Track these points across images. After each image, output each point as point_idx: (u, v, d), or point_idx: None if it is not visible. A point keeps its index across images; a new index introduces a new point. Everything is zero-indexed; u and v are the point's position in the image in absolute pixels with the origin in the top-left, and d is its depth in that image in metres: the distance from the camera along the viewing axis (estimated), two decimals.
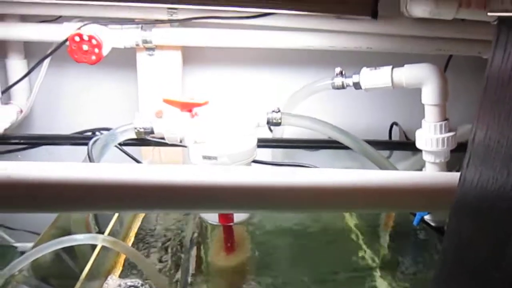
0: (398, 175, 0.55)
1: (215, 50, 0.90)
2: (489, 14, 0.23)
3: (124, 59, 0.89)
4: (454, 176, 0.54)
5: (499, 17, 0.23)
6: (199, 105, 0.66)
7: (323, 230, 0.79)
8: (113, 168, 0.48)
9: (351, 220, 0.81)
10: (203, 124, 0.67)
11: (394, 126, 1.02)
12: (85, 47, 0.68)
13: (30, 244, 0.66)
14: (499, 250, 0.27)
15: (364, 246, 0.74)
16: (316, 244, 0.75)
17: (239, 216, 0.73)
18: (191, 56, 0.92)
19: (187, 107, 0.66)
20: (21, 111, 0.88)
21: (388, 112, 1.03)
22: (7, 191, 0.44)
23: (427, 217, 0.75)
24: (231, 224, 0.73)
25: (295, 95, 0.84)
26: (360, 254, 0.72)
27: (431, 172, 0.71)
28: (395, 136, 1.02)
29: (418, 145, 0.72)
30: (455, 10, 0.69)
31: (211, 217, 0.73)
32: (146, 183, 0.47)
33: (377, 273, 0.67)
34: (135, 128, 0.66)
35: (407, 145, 0.93)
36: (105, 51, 0.72)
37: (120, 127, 0.68)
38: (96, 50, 0.69)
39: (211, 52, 0.92)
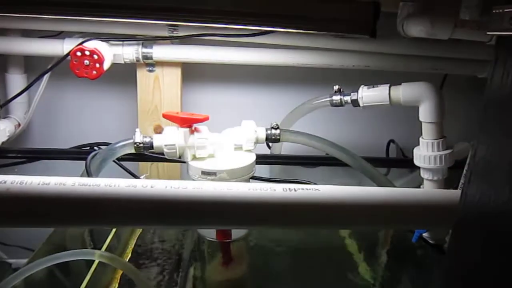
0: (398, 192, 0.55)
1: (215, 67, 0.91)
2: (488, 33, 0.24)
3: (124, 75, 0.90)
4: (454, 194, 0.54)
5: (498, 36, 0.24)
6: (198, 120, 0.66)
7: (320, 248, 0.78)
8: (112, 183, 0.48)
9: (348, 237, 0.80)
10: (203, 139, 0.67)
11: (391, 143, 1.02)
12: (86, 62, 0.69)
13: (24, 261, 0.65)
14: (507, 272, 0.27)
15: (361, 264, 0.73)
16: (313, 261, 0.74)
17: (237, 233, 0.73)
18: (191, 73, 0.93)
19: (187, 122, 0.67)
20: (19, 125, 0.88)
21: (385, 129, 1.03)
22: (5, 204, 0.44)
23: (425, 235, 0.75)
24: (229, 240, 0.72)
25: (294, 112, 0.85)
26: (358, 271, 0.71)
27: (431, 189, 0.71)
28: (392, 154, 1.02)
29: (416, 162, 0.72)
30: (451, 30, 0.70)
31: (209, 233, 0.73)
32: (146, 198, 0.47)
33: None
34: (135, 143, 0.66)
35: (405, 163, 0.93)
36: (106, 66, 0.73)
37: (120, 141, 0.68)
38: (97, 65, 0.70)
39: (210, 69, 0.93)
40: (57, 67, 0.81)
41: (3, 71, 0.88)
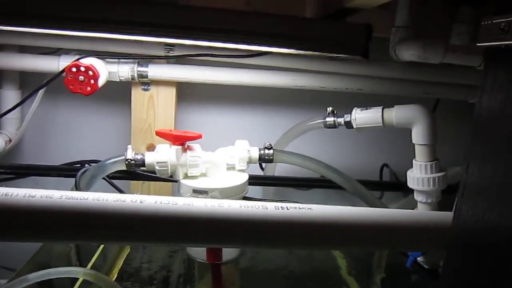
0: (391, 213, 0.54)
1: (209, 87, 0.91)
2: (478, 44, 0.24)
3: (118, 94, 0.90)
4: (448, 215, 0.54)
5: (486, 50, 0.24)
6: (191, 138, 0.66)
7: (313, 273, 0.77)
8: (100, 197, 0.46)
9: (342, 261, 0.78)
10: (195, 157, 0.66)
11: (385, 167, 1.02)
12: (81, 78, 0.69)
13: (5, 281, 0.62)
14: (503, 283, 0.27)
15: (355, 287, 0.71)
16: (306, 285, 0.72)
17: (228, 255, 0.71)
18: (186, 92, 0.94)
19: (179, 140, 0.66)
20: (10, 141, 0.87)
21: (379, 154, 1.04)
22: None
23: (420, 259, 0.73)
24: (219, 262, 0.70)
25: (288, 133, 0.85)
26: None
27: (426, 211, 0.70)
28: (386, 178, 1.02)
29: (409, 184, 0.72)
30: (442, 55, 0.72)
31: (199, 254, 0.71)
32: (134, 213, 0.46)
33: None
34: (126, 160, 0.65)
35: (398, 186, 0.93)
36: (100, 82, 0.73)
37: (111, 158, 0.67)
38: (92, 81, 0.70)
39: (205, 89, 0.94)
40: (52, 84, 0.81)
41: None
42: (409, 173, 0.72)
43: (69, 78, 0.69)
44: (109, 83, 0.81)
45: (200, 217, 0.47)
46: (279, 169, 0.90)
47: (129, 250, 0.75)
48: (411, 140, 0.71)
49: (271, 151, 0.73)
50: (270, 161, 0.74)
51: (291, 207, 0.51)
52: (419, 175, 0.70)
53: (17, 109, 0.87)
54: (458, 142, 0.88)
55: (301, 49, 0.56)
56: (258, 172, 0.88)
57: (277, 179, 0.90)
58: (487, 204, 0.30)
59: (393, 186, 0.94)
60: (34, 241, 0.46)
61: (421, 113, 0.69)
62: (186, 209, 0.47)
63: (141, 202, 0.47)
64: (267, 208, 0.50)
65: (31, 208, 0.44)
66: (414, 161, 0.72)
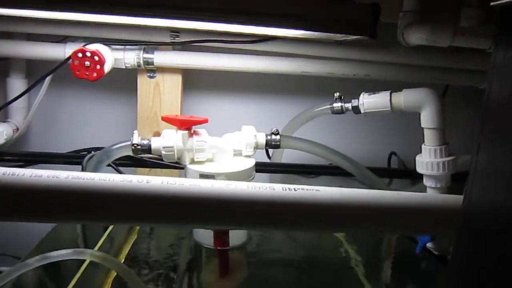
0: (400, 195, 0.54)
1: (215, 74, 0.91)
2: (492, 4, 0.24)
3: (124, 82, 0.90)
4: (458, 198, 0.53)
5: (500, 10, 0.23)
6: (197, 122, 0.66)
7: (321, 260, 0.76)
8: (107, 177, 0.46)
9: (350, 248, 0.78)
10: (202, 142, 0.66)
11: (393, 156, 1.01)
12: (87, 63, 0.69)
13: None
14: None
15: (364, 275, 0.71)
16: (313, 274, 0.72)
17: (235, 240, 0.71)
18: (192, 80, 0.94)
19: (186, 124, 0.66)
20: (17, 130, 0.87)
21: (387, 141, 1.02)
22: None
23: (429, 245, 0.72)
24: (226, 248, 0.70)
25: (295, 120, 0.84)
26: (360, 282, 0.68)
27: (436, 194, 0.69)
28: (394, 166, 1.01)
29: (418, 169, 0.71)
30: (451, 37, 0.71)
31: (206, 240, 0.71)
32: (141, 193, 0.46)
33: None
34: (133, 145, 0.65)
35: (407, 174, 0.92)
36: (106, 68, 0.73)
37: (117, 143, 0.67)
38: (98, 67, 0.70)
39: (211, 76, 0.93)
40: (58, 73, 0.81)
41: (4, 76, 0.88)
42: (418, 158, 0.71)
43: (75, 63, 0.69)
44: (115, 72, 0.81)
45: (207, 197, 0.47)
46: (286, 156, 0.90)
47: (136, 236, 0.75)
48: (419, 126, 0.70)
49: (278, 136, 0.73)
50: (277, 146, 0.73)
51: (299, 189, 0.50)
52: (428, 159, 0.69)
53: (24, 98, 0.87)
54: (466, 129, 0.87)
55: (308, 30, 0.55)
56: (265, 160, 0.87)
57: (284, 166, 0.89)
58: (498, 188, 0.29)
59: (402, 174, 0.93)
60: (40, 221, 0.46)
61: (430, 96, 0.68)
62: (193, 189, 0.47)
63: (147, 182, 0.47)
64: (274, 189, 0.50)
65: (37, 187, 0.44)
66: (423, 146, 0.70)
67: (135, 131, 0.66)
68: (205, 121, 0.66)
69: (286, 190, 0.50)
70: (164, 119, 0.67)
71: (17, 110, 0.88)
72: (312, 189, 0.51)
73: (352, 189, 0.52)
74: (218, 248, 0.69)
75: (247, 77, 0.91)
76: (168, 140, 0.65)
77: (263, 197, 0.49)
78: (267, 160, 0.88)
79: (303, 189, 0.50)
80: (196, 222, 0.50)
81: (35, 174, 0.45)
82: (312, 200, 0.49)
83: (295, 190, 0.50)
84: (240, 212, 0.49)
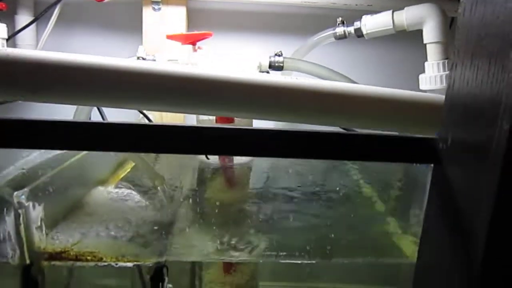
0: (401, 92, 0.54)
1: (220, 13, 0.91)
2: None
3: (130, 17, 0.91)
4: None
5: None
6: (202, 35, 0.67)
7: (330, 183, 0.76)
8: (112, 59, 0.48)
9: (357, 173, 0.78)
10: (205, 58, 0.67)
11: None
12: None
13: None
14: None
15: (373, 197, 0.71)
16: (322, 198, 0.72)
17: (239, 159, 0.72)
18: (196, 19, 0.94)
19: (190, 39, 0.67)
20: None
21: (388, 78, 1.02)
22: (6, 68, 0.44)
23: None
24: (231, 165, 0.71)
25: (299, 50, 0.84)
26: (368, 203, 0.69)
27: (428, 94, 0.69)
28: None
29: (422, 86, 0.71)
30: None
31: (212, 159, 0.72)
32: (142, 73, 0.47)
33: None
34: (138, 58, 0.66)
35: None
36: None
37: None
38: None
39: (215, 16, 0.94)
40: (64, 12, 0.83)
41: (12, 14, 0.90)
42: (421, 76, 0.71)
43: None
44: (120, 7, 0.81)
45: (211, 80, 0.48)
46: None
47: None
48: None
49: (281, 58, 0.73)
50: (280, 68, 0.74)
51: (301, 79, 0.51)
52: (431, 74, 0.69)
53: (32, 36, 0.89)
54: None
55: None
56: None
57: None
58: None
59: None
60: (46, 101, 0.47)
61: (433, 10, 0.68)
62: (195, 72, 0.48)
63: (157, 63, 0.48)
64: (276, 78, 0.50)
65: (47, 61, 0.45)
66: (426, 63, 0.71)
67: (141, 46, 0.67)
68: (209, 34, 0.67)
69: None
70: (169, 37, 0.68)
71: (25, 48, 0.89)
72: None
73: (352, 84, 0.53)
74: (223, 164, 0.70)
75: (252, 16, 0.92)
76: (173, 53, 0.66)
77: (265, 82, 0.49)
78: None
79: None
80: (197, 108, 0.50)
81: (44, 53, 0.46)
82: (314, 87, 0.50)
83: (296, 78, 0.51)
84: (244, 97, 0.49)
